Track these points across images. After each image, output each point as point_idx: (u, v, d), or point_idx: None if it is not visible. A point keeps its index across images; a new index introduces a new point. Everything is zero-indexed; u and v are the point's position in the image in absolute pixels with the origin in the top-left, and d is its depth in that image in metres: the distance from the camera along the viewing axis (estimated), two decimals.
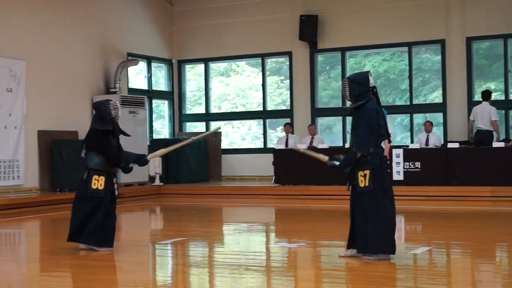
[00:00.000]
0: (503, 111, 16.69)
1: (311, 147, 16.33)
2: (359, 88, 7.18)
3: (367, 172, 7.02)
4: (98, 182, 7.94)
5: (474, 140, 15.62)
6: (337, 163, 7.33)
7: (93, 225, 7.91)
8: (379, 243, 7.01)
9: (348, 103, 7.49)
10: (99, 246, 7.97)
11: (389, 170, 11.84)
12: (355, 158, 7.15)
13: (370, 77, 7.26)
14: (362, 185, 7.05)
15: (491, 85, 17.45)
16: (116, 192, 8.09)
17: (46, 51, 16.08)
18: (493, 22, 16.93)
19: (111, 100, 8.09)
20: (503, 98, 17.04)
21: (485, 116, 15.29)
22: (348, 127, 18.34)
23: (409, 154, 15.09)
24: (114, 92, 17.35)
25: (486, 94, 15.57)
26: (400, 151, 15.14)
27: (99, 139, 8.01)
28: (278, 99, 20.16)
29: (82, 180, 8.10)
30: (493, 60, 17.62)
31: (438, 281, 6.32)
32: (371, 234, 7.01)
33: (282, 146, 16.83)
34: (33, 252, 9.01)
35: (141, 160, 8.14)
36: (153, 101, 19.80)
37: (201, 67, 20.61)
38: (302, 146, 16.26)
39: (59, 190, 15.58)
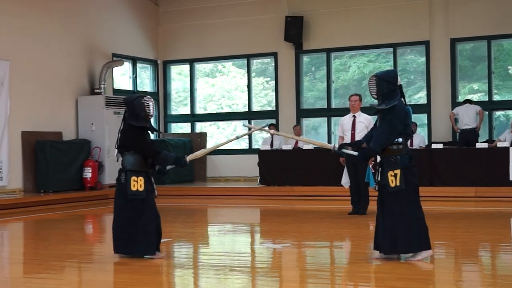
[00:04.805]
0: (487, 112, 16.79)
1: (296, 148, 16.38)
2: (388, 86, 7.07)
3: (398, 171, 6.95)
4: (137, 183, 7.34)
5: (459, 140, 15.81)
6: (348, 152, 7.29)
7: (140, 232, 7.37)
8: (415, 242, 7.00)
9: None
10: (150, 253, 7.44)
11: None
12: (372, 153, 7.19)
13: (398, 76, 7.19)
14: (393, 185, 6.96)
15: (475, 86, 17.58)
16: (156, 193, 7.53)
17: (30, 51, 16.00)
18: (477, 23, 17.04)
19: (144, 96, 7.55)
20: (486, 99, 17.15)
21: (469, 114, 15.59)
22: (333, 128, 18.43)
23: None
24: (99, 93, 17.30)
25: (468, 100, 16.00)
26: None
27: (136, 137, 7.43)
28: (264, 100, 20.18)
29: (120, 184, 7.44)
30: (477, 61, 17.73)
31: (422, 281, 6.34)
32: (402, 234, 6.96)
33: (267, 147, 16.84)
34: (17, 253, 8.95)
35: (180, 161, 7.49)
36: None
37: (186, 67, 20.59)
38: (287, 147, 16.32)
39: (43, 191, 15.51)
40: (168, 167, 7.61)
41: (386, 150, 7.10)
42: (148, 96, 7.60)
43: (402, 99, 7.20)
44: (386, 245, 7.05)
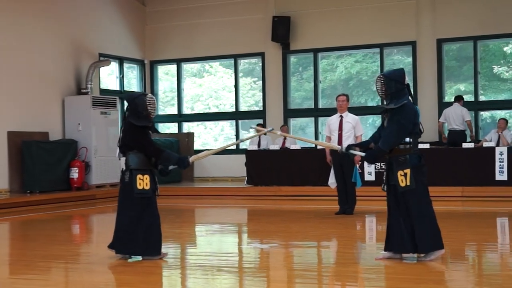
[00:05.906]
0: (473, 112, 16.87)
1: (284, 148, 16.39)
2: (395, 85, 7.03)
3: (407, 171, 6.92)
4: (143, 182, 7.26)
5: (447, 140, 15.87)
6: (355, 152, 7.26)
7: (143, 232, 7.34)
8: (430, 241, 6.98)
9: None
10: (150, 255, 7.42)
11: (360, 170, 11.88)
12: (381, 153, 7.11)
13: (405, 75, 7.14)
14: (403, 184, 6.93)
15: (461, 87, 17.65)
16: (158, 192, 7.49)
17: (16, 51, 15.92)
18: (463, 24, 17.12)
19: (147, 94, 7.49)
20: (472, 99, 17.23)
21: (457, 117, 15.60)
22: (320, 128, 18.45)
23: None
24: (86, 93, 17.24)
25: (458, 97, 15.93)
26: None
27: (138, 136, 7.36)
28: (251, 100, 20.18)
29: (124, 183, 7.37)
30: (463, 61, 17.81)
31: (409, 280, 6.36)
32: (419, 233, 6.94)
33: (255, 147, 16.84)
34: (3, 254, 8.90)
35: (183, 162, 7.41)
36: (125, 102, 19.67)
37: (173, 67, 20.56)
38: (274, 147, 16.33)
39: (29, 191, 15.43)
40: (171, 167, 7.52)
41: (394, 150, 7.06)
42: (151, 95, 7.54)
43: (410, 98, 7.16)
44: (401, 244, 7.00)
